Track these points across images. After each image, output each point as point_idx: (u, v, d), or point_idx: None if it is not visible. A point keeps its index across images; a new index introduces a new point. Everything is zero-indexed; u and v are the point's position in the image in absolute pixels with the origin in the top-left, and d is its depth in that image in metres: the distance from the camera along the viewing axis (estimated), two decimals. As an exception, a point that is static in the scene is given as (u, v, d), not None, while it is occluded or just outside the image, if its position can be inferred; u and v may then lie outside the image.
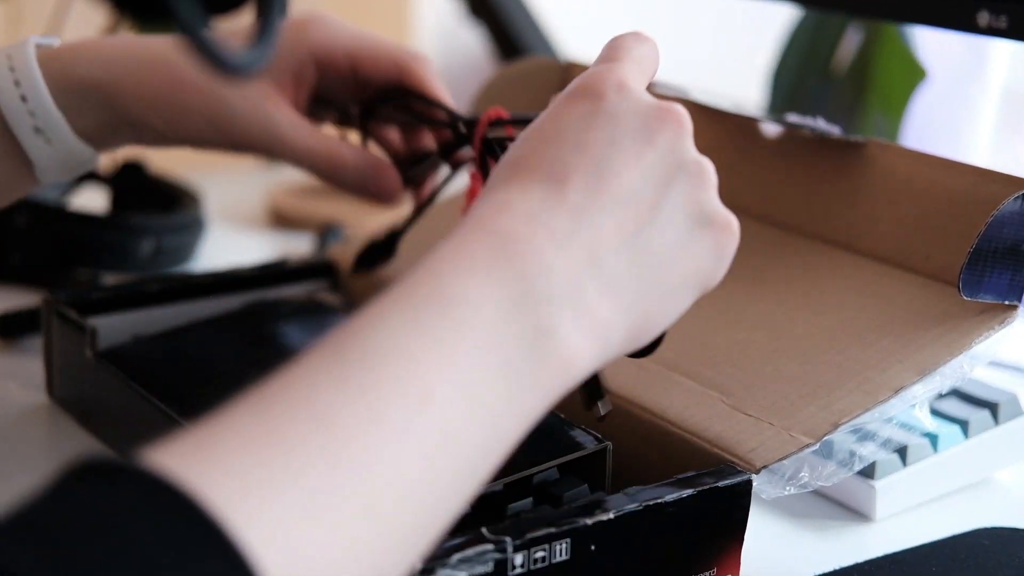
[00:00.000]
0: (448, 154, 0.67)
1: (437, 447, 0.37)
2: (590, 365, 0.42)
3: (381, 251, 0.72)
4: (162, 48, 0.62)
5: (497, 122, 0.61)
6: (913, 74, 1.07)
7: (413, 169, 0.68)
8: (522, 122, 0.58)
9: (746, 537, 0.52)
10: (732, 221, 0.46)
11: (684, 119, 0.46)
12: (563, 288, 0.41)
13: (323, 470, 0.34)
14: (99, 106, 0.62)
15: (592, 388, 0.50)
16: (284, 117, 0.63)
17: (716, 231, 0.45)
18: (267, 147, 0.63)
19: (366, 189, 0.65)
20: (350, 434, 0.35)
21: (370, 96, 0.67)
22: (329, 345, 0.38)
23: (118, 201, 0.94)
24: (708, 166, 0.46)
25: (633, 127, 0.44)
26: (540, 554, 0.46)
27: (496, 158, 0.59)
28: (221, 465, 0.33)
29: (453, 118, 0.65)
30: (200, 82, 0.61)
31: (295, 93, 0.64)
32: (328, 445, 0.35)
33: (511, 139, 0.57)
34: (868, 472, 0.60)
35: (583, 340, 0.41)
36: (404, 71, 0.65)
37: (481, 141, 0.60)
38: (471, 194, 0.61)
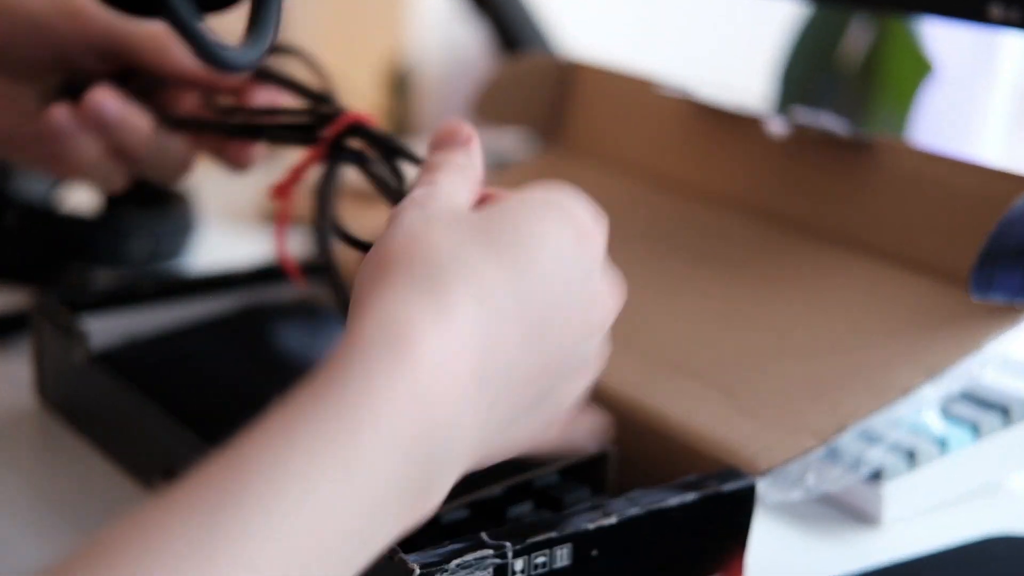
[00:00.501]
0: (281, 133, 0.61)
1: None
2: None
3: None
4: None
5: (355, 128, 0.55)
6: (920, 68, 1.07)
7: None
8: (382, 143, 0.54)
9: (750, 542, 0.52)
10: (582, 422, 0.48)
11: (619, 305, 0.47)
12: (458, 448, 0.40)
13: None
14: None
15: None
16: (88, 2, 0.61)
17: (564, 423, 0.47)
18: (77, 31, 0.61)
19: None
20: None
21: None
22: (210, 484, 0.35)
23: (111, 198, 0.94)
24: (597, 365, 0.47)
25: (586, 283, 0.44)
26: (541, 559, 0.46)
27: (346, 160, 0.55)
28: None
29: (319, 98, 0.59)
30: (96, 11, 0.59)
31: None
32: None
33: (363, 155, 0.54)
34: (875, 476, 0.60)
35: (449, 487, 0.41)
36: None
37: (336, 136, 0.55)
38: (298, 170, 0.56)
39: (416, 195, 0.45)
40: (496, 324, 0.41)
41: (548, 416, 0.45)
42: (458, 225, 0.43)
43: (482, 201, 0.47)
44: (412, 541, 0.45)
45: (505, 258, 0.43)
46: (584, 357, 0.45)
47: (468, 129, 0.49)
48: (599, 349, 0.47)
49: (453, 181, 0.46)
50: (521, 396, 0.43)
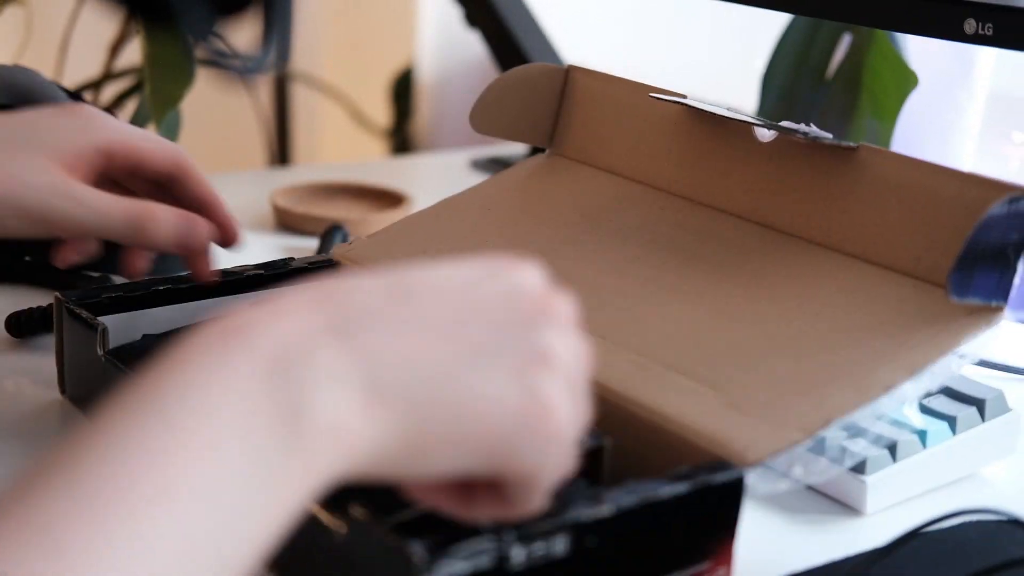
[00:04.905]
0: None
1: (181, 553, 0.33)
2: (365, 442, 0.38)
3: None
4: None
5: None
6: (905, 80, 1.07)
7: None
8: None
9: (740, 530, 0.52)
10: (562, 414, 0.41)
11: (567, 310, 0.43)
12: (321, 365, 0.37)
13: None
14: None
15: None
16: (85, 188, 0.63)
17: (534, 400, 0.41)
18: (72, 216, 0.62)
19: (180, 240, 0.65)
20: (81, 555, 0.32)
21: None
22: (68, 448, 0.34)
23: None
24: (568, 363, 0.42)
25: (491, 278, 0.42)
26: (539, 548, 0.46)
27: None
28: None
29: None
30: None
31: (83, 176, 0.64)
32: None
33: None
34: (859, 468, 0.60)
35: (350, 415, 0.37)
36: (180, 165, 0.67)
37: None
38: None
39: None
40: (344, 290, 0.40)
41: (491, 394, 0.40)
42: None
43: None
44: (414, 529, 0.45)
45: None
46: (523, 346, 0.41)
47: None
48: (558, 346, 0.41)
49: None
50: (414, 344, 0.39)
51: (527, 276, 0.43)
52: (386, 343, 0.39)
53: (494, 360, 0.40)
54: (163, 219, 0.64)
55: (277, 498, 0.36)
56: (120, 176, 0.67)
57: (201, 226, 0.66)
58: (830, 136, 0.65)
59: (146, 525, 0.33)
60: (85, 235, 0.65)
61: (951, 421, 0.63)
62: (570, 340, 0.43)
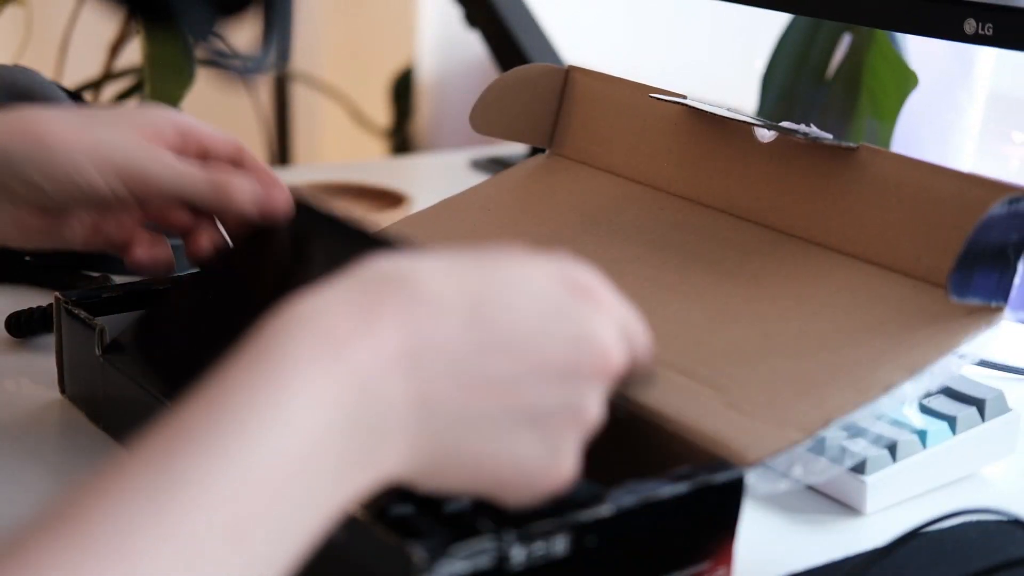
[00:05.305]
0: None
1: (232, 549, 0.36)
2: (397, 467, 0.42)
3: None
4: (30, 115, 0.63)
5: None
6: (905, 81, 1.07)
7: None
8: None
9: (740, 530, 0.52)
10: (566, 472, 0.45)
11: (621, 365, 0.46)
12: (392, 422, 0.41)
13: None
14: None
15: None
16: (169, 154, 0.65)
17: (543, 486, 0.45)
18: (159, 175, 0.63)
19: (260, 204, 0.66)
20: (153, 532, 0.35)
21: None
22: (146, 454, 0.37)
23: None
24: (587, 422, 0.45)
25: (570, 324, 0.44)
26: (539, 548, 0.46)
27: None
28: None
29: None
30: (78, 132, 0.62)
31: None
32: None
33: None
34: (859, 468, 0.60)
35: (397, 449, 0.41)
36: (241, 150, 0.69)
37: None
38: None
39: None
40: (428, 314, 0.42)
41: (518, 455, 0.43)
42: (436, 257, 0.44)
43: None
44: (414, 529, 0.45)
45: (465, 272, 0.44)
46: (567, 403, 0.44)
47: None
48: (592, 406, 0.45)
49: None
50: (469, 398, 0.42)
51: (602, 322, 0.45)
52: (445, 393, 0.42)
53: (536, 423, 0.44)
54: (244, 183, 0.65)
55: (322, 512, 0.39)
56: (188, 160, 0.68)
57: (279, 191, 0.67)
58: (830, 136, 0.65)
59: (203, 518, 0.36)
60: (168, 198, 0.65)
61: (951, 421, 0.63)
62: (604, 395, 0.46)
